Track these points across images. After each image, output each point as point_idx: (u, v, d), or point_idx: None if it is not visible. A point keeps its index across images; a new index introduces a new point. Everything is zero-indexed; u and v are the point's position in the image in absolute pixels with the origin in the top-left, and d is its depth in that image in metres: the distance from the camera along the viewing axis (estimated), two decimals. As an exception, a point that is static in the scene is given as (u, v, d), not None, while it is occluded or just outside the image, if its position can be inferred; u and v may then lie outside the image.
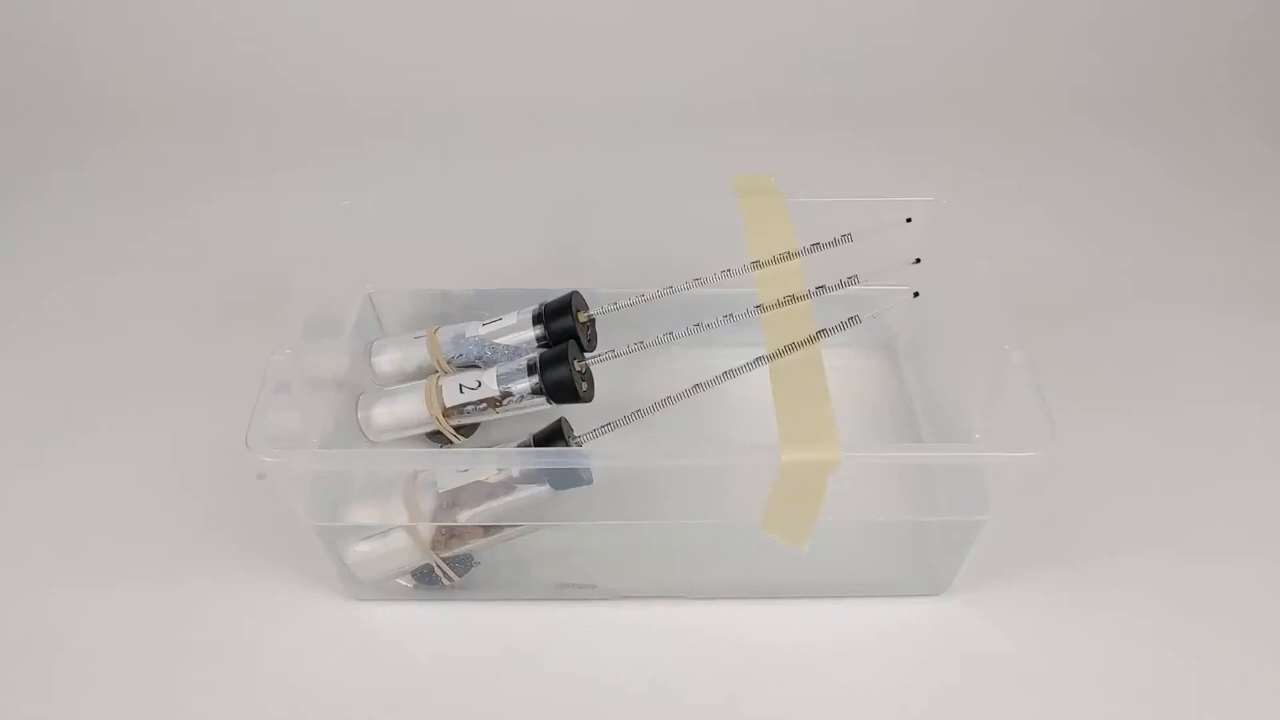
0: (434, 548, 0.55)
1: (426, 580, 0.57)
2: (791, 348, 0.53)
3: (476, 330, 0.63)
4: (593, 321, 0.62)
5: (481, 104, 1.04)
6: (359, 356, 0.65)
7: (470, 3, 1.05)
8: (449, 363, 0.63)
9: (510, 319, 0.62)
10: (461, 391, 0.60)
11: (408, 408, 0.61)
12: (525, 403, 0.59)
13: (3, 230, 0.87)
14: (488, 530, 0.55)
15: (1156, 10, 1.04)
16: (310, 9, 1.05)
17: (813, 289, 0.57)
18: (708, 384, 0.52)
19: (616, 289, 0.62)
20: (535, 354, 0.60)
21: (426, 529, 0.55)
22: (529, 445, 0.55)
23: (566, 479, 0.52)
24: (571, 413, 0.57)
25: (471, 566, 0.57)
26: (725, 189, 0.64)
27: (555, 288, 0.63)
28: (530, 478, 0.53)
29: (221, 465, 0.63)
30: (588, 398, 0.59)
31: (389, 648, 0.56)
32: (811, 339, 0.53)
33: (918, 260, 0.58)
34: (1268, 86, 1.05)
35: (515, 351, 0.62)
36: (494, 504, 0.54)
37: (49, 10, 1.04)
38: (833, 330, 0.54)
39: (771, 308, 0.56)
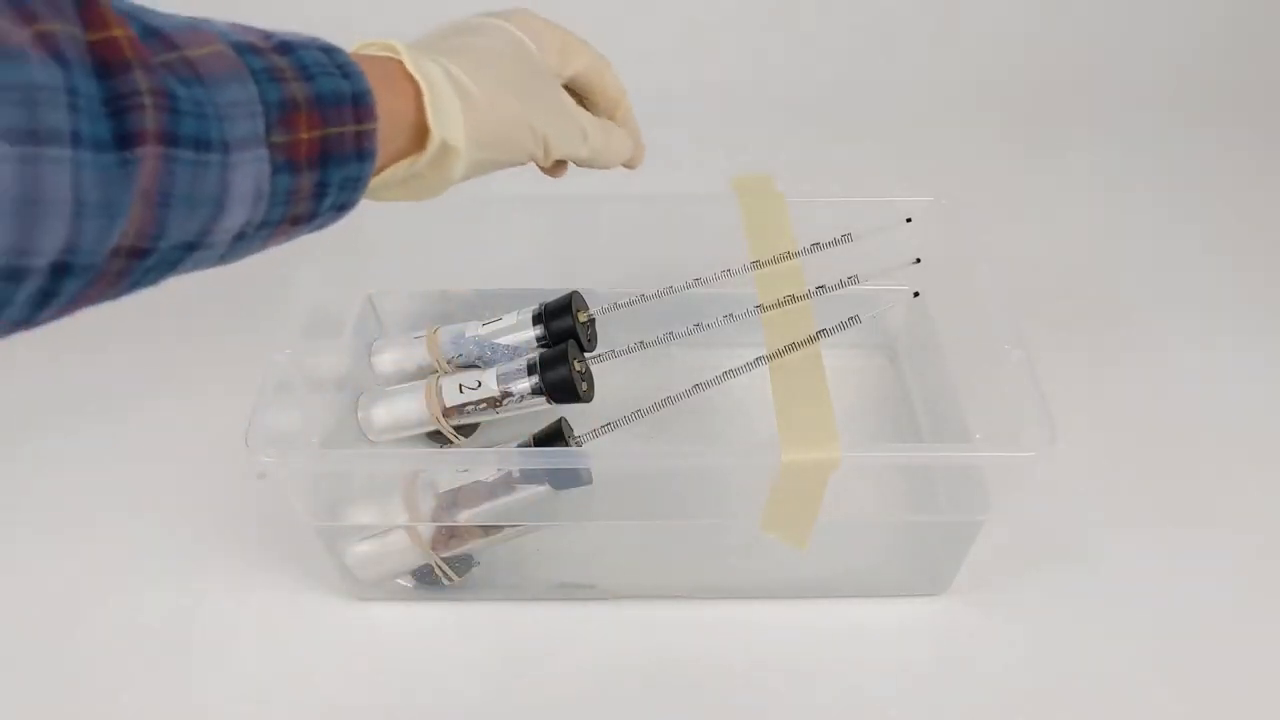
0: (434, 548, 0.55)
1: (426, 580, 0.57)
2: (791, 348, 0.53)
3: (476, 330, 0.63)
4: (593, 321, 0.62)
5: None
6: (359, 356, 0.65)
7: (470, 3, 1.05)
8: (449, 363, 0.63)
9: (510, 319, 0.62)
10: (461, 391, 0.60)
11: (408, 408, 0.61)
12: (525, 403, 0.59)
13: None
14: (488, 530, 0.55)
15: (1157, 11, 1.04)
16: (311, 8, 1.05)
17: (813, 289, 0.57)
18: (708, 384, 0.52)
19: (616, 289, 0.62)
20: (535, 354, 0.60)
21: (426, 529, 0.55)
22: (529, 445, 0.55)
23: (566, 479, 0.52)
24: (571, 413, 0.57)
25: (471, 566, 0.57)
26: (725, 189, 0.64)
27: (555, 288, 0.63)
28: (530, 478, 0.53)
29: (222, 465, 0.63)
30: (588, 398, 0.59)
31: (389, 648, 0.56)
32: (811, 339, 0.53)
33: (918, 260, 0.58)
34: (1267, 86, 1.05)
35: (515, 351, 0.62)
36: (494, 504, 0.54)
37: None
38: (833, 330, 0.54)
39: (771, 308, 0.56)
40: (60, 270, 0.28)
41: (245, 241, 0.35)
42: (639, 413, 0.52)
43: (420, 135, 0.40)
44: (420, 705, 0.53)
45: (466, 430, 0.63)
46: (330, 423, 0.61)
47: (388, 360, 0.65)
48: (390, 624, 0.57)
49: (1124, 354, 0.74)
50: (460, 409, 0.60)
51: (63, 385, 0.71)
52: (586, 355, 0.60)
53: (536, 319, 0.61)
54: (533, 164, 0.47)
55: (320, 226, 0.39)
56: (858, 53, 1.05)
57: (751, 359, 0.53)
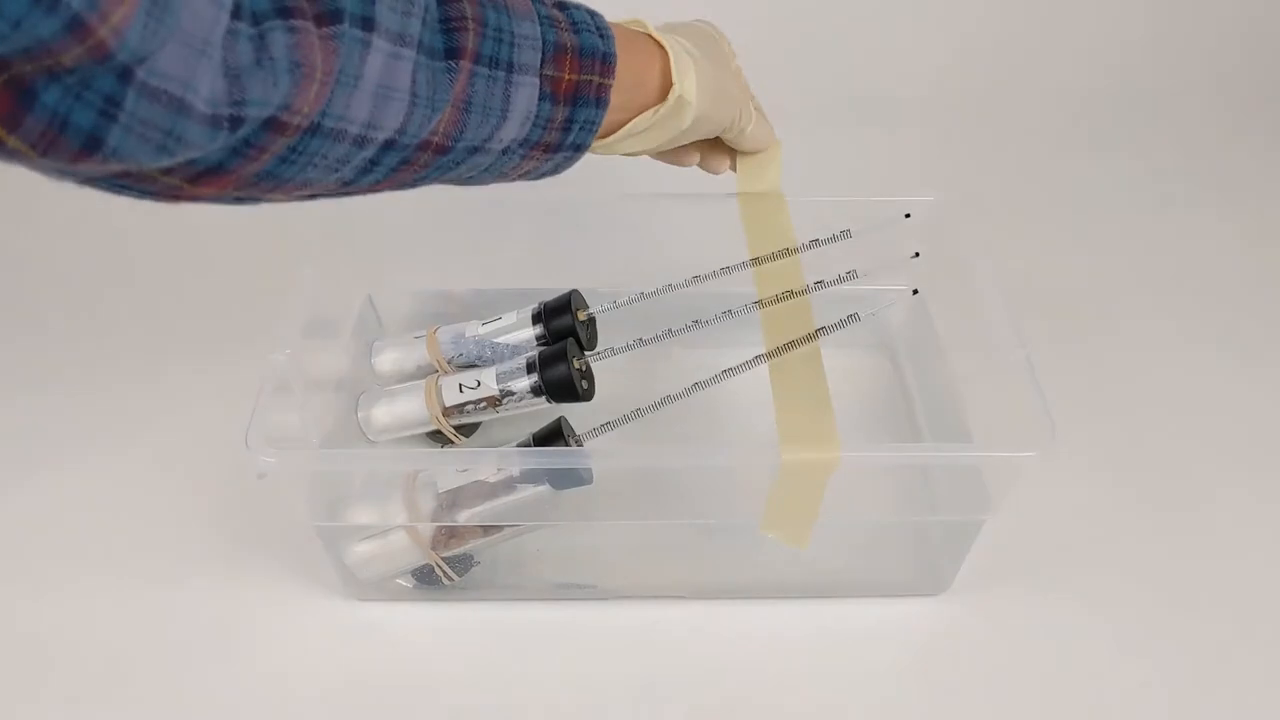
0: (434, 548, 0.55)
1: (426, 580, 0.57)
2: (791, 345, 0.52)
3: (476, 330, 0.63)
4: (592, 320, 0.62)
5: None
6: (359, 356, 0.65)
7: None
8: (449, 362, 0.63)
9: (510, 318, 0.62)
10: (461, 391, 0.60)
11: (408, 407, 0.61)
12: (525, 402, 0.59)
13: (2, 231, 0.87)
14: (488, 530, 0.55)
15: (1156, 11, 1.04)
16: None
17: (811, 285, 0.56)
18: (707, 383, 0.52)
19: (616, 288, 0.62)
20: (535, 353, 0.60)
21: (426, 529, 0.55)
22: (529, 445, 0.55)
23: (566, 479, 0.52)
24: (571, 412, 0.57)
25: (471, 566, 0.57)
26: (725, 188, 0.64)
27: (555, 287, 0.63)
28: (530, 477, 0.53)
29: (221, 465, 0.63)
30: (587, 396, 0.59)
31: (389, 648, 0.56)
32: (811, 336, 0.53)
33: (916, 255, 0.58)
34: (1265, 87, 1.05)
35: (515, 350, 0.62)
36: (494, 504, 0.54)
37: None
38: (832, 328, 0.54)
39: (770, 304, 0.55)
40: (388, 145, 0.37)
41: (508, 156, 0.43)
42: (639, 412, 0.52)
43: (663, 91, 0.49)
44: (420, 705, 0.53)
45: (466, 430, 0.63)
46: (330, 423, 0.61)
47: (388, 360, 0.65)
48: (390, 624, 0.57)
49: (1124, 354, 0.74)
50: (460, 408, 0.60)
51: (63, 386, 0.71)
52: (586, 354, 0.60)
53: (536, 318, 0.61)
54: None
55: (557, 168, 0.47)
56: (858, 52, 1.05)
57: (751, 357, 0.53)
